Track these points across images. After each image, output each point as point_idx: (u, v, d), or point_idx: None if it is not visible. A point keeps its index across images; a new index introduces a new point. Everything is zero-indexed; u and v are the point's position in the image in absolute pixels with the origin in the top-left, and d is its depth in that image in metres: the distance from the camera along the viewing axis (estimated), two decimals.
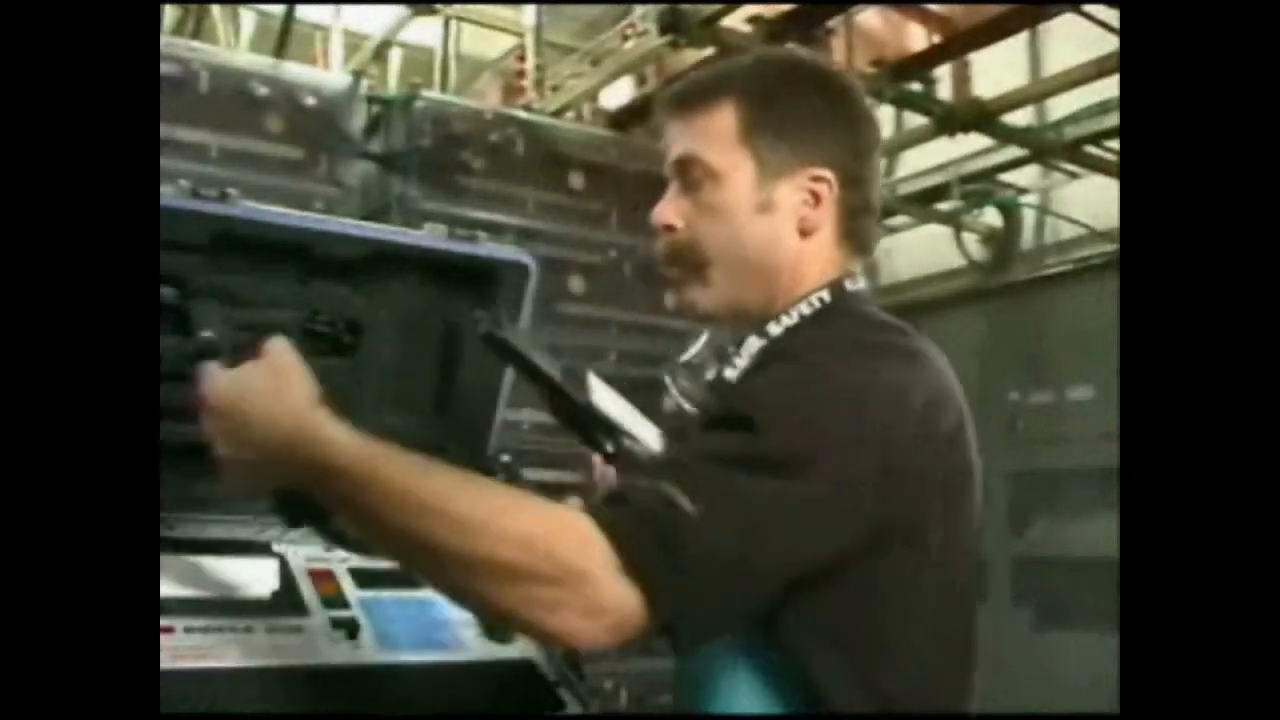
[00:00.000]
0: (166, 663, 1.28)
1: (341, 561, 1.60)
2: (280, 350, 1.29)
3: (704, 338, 1.52)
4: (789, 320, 1.39)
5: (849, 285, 1.42)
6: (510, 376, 1.69)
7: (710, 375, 1.45)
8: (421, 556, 1.20)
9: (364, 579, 1.59)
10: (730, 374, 1.38)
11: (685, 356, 1.53)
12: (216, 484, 1.27)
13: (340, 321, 1.62)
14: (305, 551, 1.59)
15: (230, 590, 1.48)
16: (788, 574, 1.20)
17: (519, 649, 1.56)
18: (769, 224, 1.40)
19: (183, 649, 1.37)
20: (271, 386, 1.25)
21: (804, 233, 1.40)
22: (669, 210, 1.44)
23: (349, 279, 1.60)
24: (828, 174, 1.40)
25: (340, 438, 1.21)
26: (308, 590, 1.53)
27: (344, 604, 1.54)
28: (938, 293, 5.09)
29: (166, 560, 1.43)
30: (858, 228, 1.44)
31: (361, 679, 1.46)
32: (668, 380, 1.53)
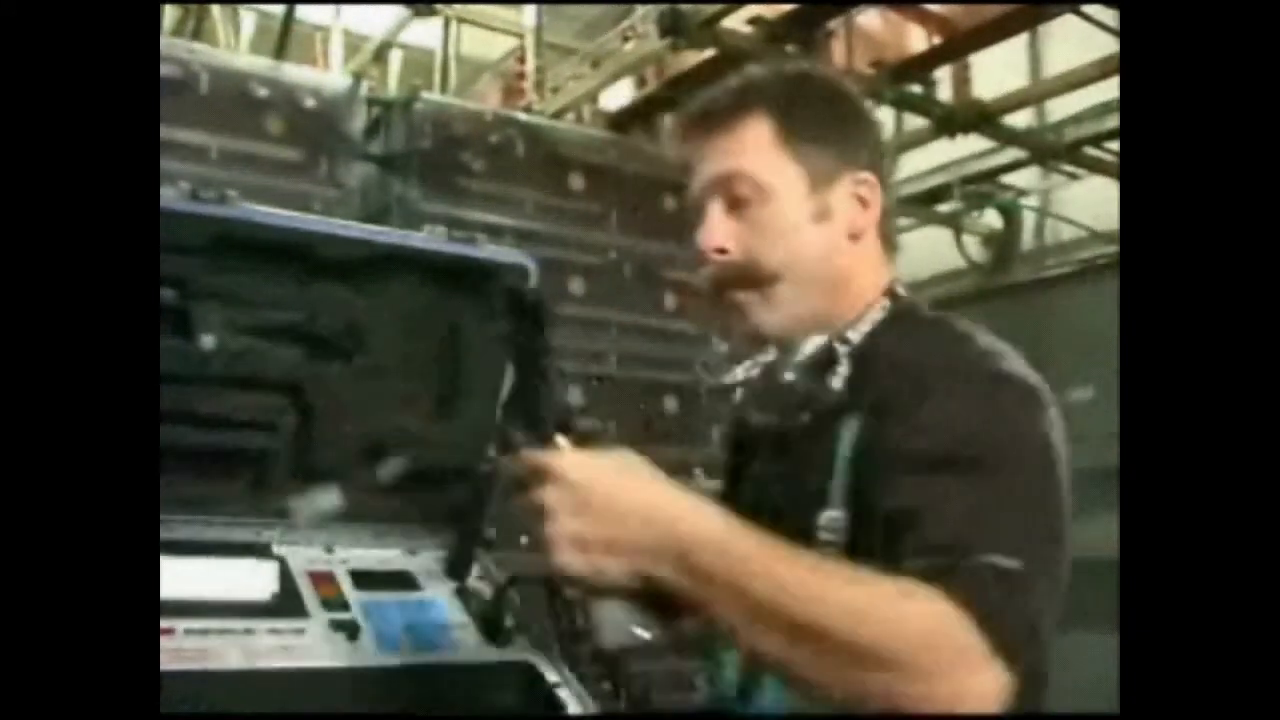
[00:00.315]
0: (167, 664, 1.28)
1: (341, 564, 1.60)
2: (628, 453, 1.21)
3: (768, 353, 1.46)
4: (864, 327, 1.38)
5: (900, 288, 1.42)
6: (510, 377, 1.69)
7: (789, 379, 1.38)
8: (795, 639, 1.10)
9: (364, 581, 1.59)
10: (836, 383, 1.34)
11: (743, 371, 1.46)
12: (550, 564, 1.14)
13: (340, 323, 1.62)
14: (305, 553, 1.59)
15: (230, 592, 1.48)
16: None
17: (518, 651, 1.56)
18: (826, 232, 1.37)
19: (183, 650, 1.37)
20: (626, 465, 1.19)
21: (854, 237, 1.39)
22: (718, 233, 1.38)
23: (349, 281, 1.60)
24: (870, 176, 1.39)
25: (710, 510, 1.15)
26: (308, 592, 1.53)
27: (344, 606, 1.54)
28: (938, 294, 5.09)
29: (167, 562, 1.43)
30: (892, 226, 1.44)
31: (361, 681, 1.46)
32: (735, 393, 1.47)
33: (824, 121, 1.39)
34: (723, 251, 1.38)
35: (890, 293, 1.41)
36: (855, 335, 1.37)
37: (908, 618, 1.09)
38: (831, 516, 1.30)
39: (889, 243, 1.44)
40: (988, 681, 1.08)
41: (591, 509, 1.13)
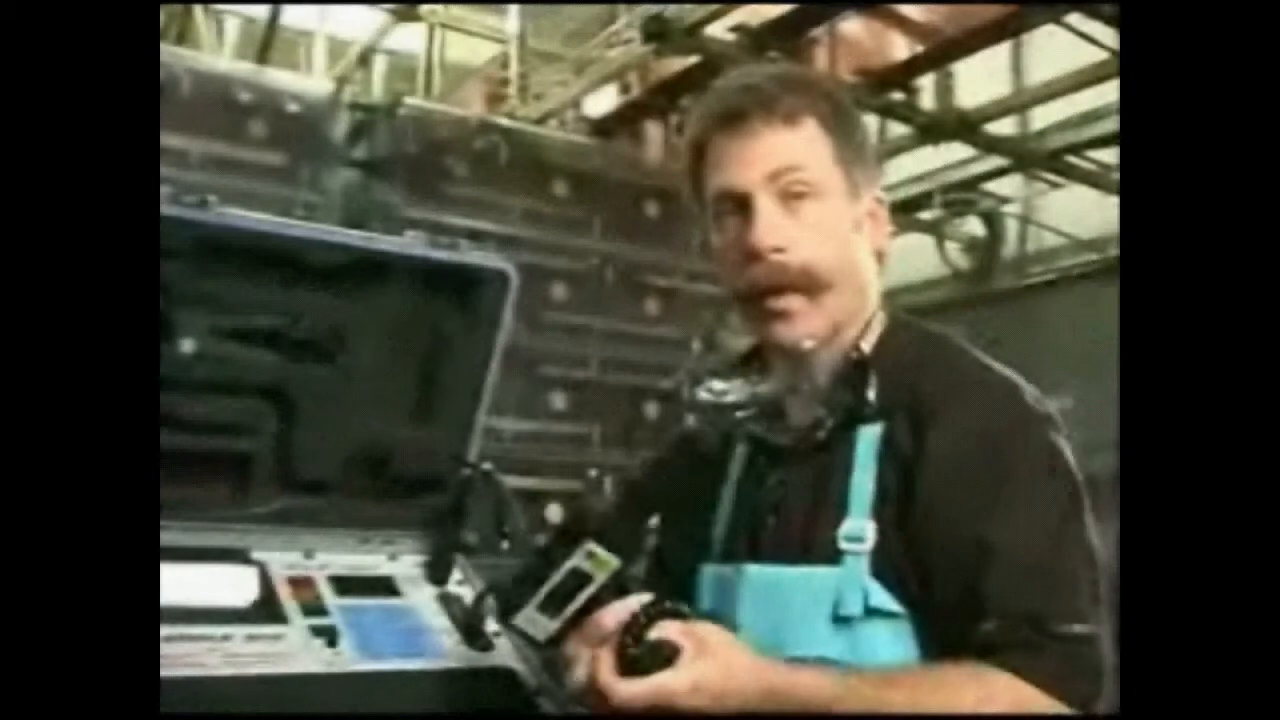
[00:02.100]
0: None
1: (321, 569, 1.59)
2: (713, 631, 1.21)
3: (774, 377, 1.43)
4: (872, 337, 1.40)
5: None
6: (492, 382, 1.69)
7: (812, 389, 1.39)
8: None
9: (343, 586, 1.58)
10: (872, 395, 1.34)
11: (741, 388, 1.44)
12: None
13: (320, 328, 1.61)
14: (284, 559, 1.58)
15: (209, 598, 1.47)
16: None
17: (499, 657, 1.56)
18: (860, 243, 1.40)
19: (161, 657, 1.36)
20: (724, 661, 1.19)
21: (877, 253, 1.43)
22: (775, 231, 1.34)
23: (331, 286, 1.60)
24: (882, 194, 1.44)
25: (813, 673, 1.21)
26: (287, 598, 1.53)
27: (323, 612, 1.53)
28: (920, 301, 5.10)
29: None
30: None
31: (341, 687, 1.45)
32: (743, 418, 1.44)
33: (858, 136, 1.42)
34: (780, 250, 1.34)
35: (882, 302, 1.44)
36: (867, 346, 1.38)
37: (993, 705, 1.17)
38: (854, 525, 1.31)
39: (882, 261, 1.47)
40: None
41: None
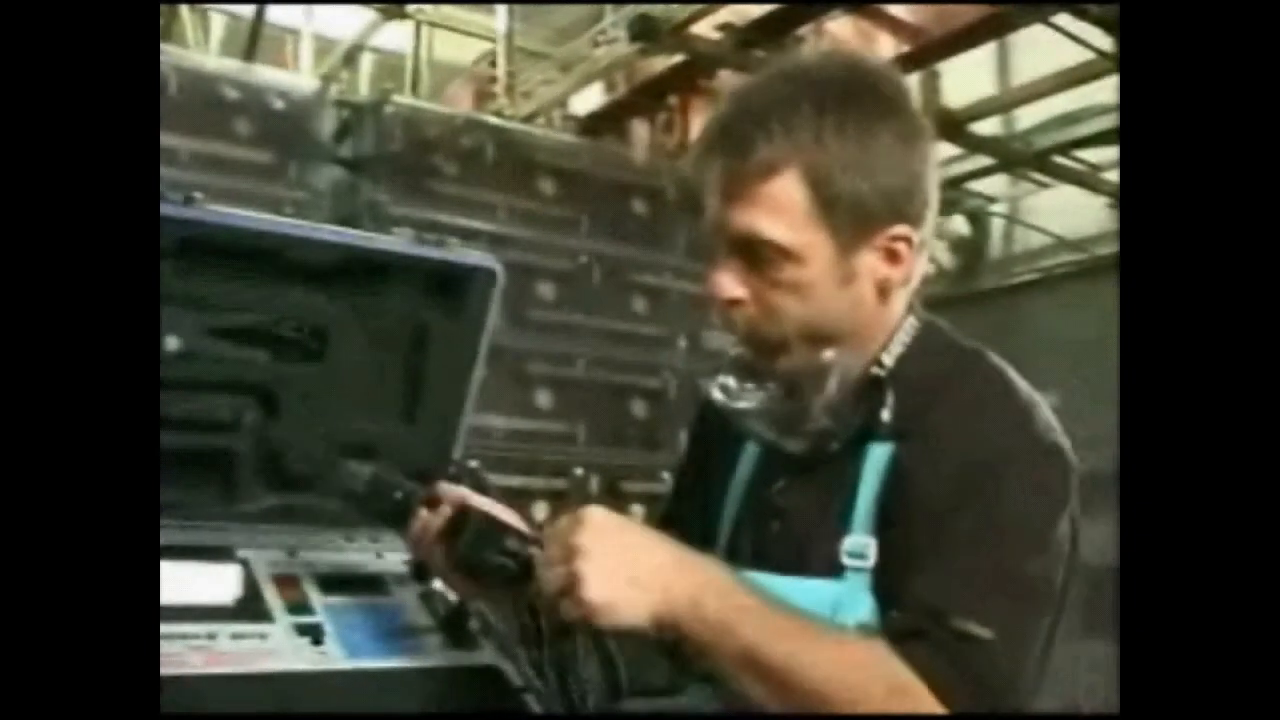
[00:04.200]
0: None
1: (306, 567, 1.59)
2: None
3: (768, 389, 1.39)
4: (897, 348, 1.35)
5: (918, 304, 1.39)
6: (478, 380, 1.69)
7: (832, 403, 1.35)
8: (774, 688, 1.18)
9: (328, 585, 1.58)
10: (885, 416, 1.32)
11: (756, 397, 1.38)
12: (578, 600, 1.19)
13: (307, 326, 1.61)
14: (269, 556, 1.58)
15: (192, 596, 1.47)
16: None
17: (484, 655, 1.56)
18: (850, 294, 1.30)
19: None
20: (637, 525, 1.27)
21: (882, 293, 1.32)
22: (729, 283, 1.30)
23: (317, 283, 1.60)
24: (906, 230, 1.29)
25: (718, 565, 1.23)
26: (272, 596, 1.52)
27: (308, 610, 1.53)
28: None
29: None
30: (926, 258, 1.37)
31: (326, 685, 1.45)
32: (754, 424, 1.41)
33: (866, 171, 1.26)
34: (736, 304, 1.31)
35: (912, 309, 1.38)
36: (890, 359, 1.35)
37: (873, 683, 1.17)
38: (856, 542, 1.29)
39: (919, 274, 1.37)
40: None
41: (620, 549, 1.19)
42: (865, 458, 1.32)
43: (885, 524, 1.29)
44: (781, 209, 1.25)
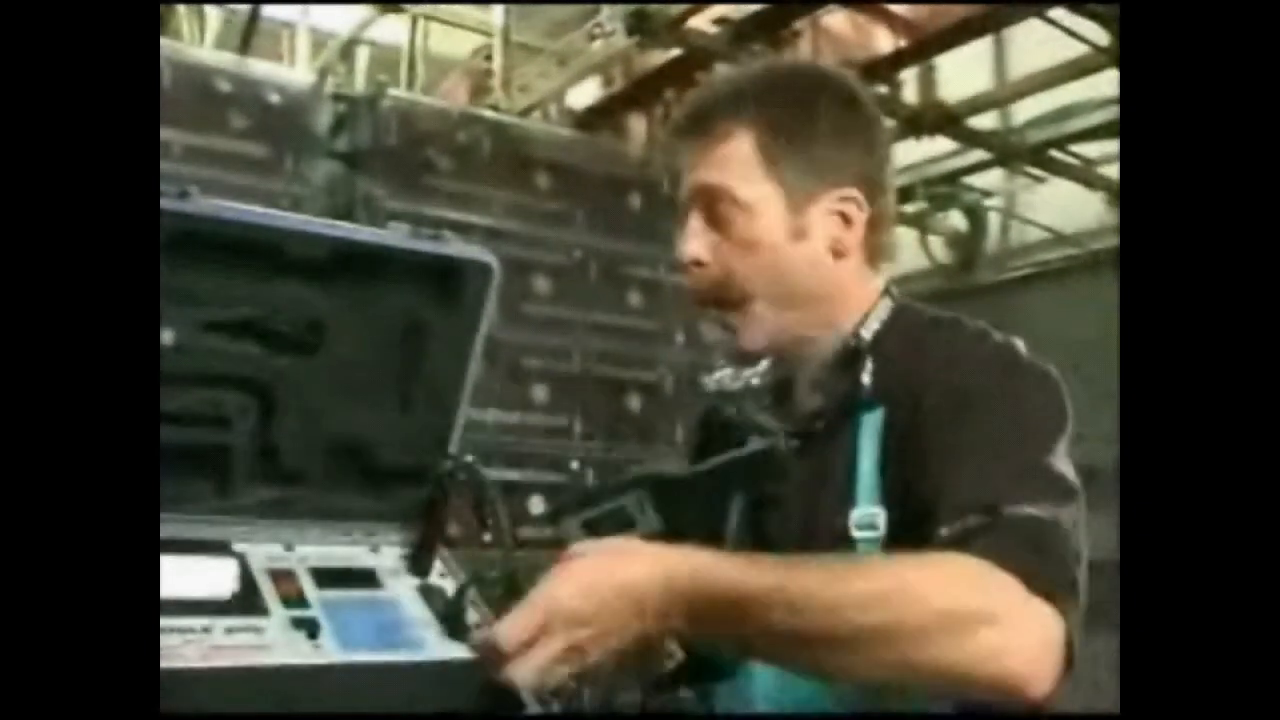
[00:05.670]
0: None
1: (302, 561, 1.59)
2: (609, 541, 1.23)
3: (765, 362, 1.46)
4: (875, 324, 1.40)
5: (894, 289, 1.45)
6: (474, 375, 1.69)
7: (811, 379, 1.41)
8: (844, 651, 1.08)
9: (325, 578, 1.58)
10: (866, 378, 1.35)
11: (748, 375, 1.47)
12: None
13: (303, 320, 1.61)
14: (265, 550, 1.58)
15: (188, 590, 1.47)
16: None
17: None
18: (803, 251, 1.38)
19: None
20: (618, 547, 1.18)
21: (837, 254, 1.39)
22: (695, 244, 1.39)
23: (312, 277, 1.59)
24: (855, 193, 1.39)
25: (699, 555, 1.12)
26: (268, 590, 1.52)
27: (304, 604, 1.52)
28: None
29: None
30: (884, 237, 1.44)
31: (322, 679, 1.45)
32: (740, 408, 1.45)
33: (810, 135, 1.38)
34: (699, 264, 1.39)
35: (888, 293, 1.44)
36: (868, 333, 1.39)
37: (926, 583, 1.09)
38: (864, 513, 1.31)
39: (878, 253, 1.44)
40: (1036, 628, 1.09)
41: (583, 618, 1.10)
42: (859, 428, 1.34)
43: (898, 487, 1.29)
44: (733, 164, 1.37)
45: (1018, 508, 1.16)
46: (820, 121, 1.39)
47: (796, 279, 1.38)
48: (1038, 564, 1.12)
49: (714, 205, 1.38)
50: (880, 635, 1.06)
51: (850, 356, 1.38)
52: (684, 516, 1.34)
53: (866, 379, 1.35)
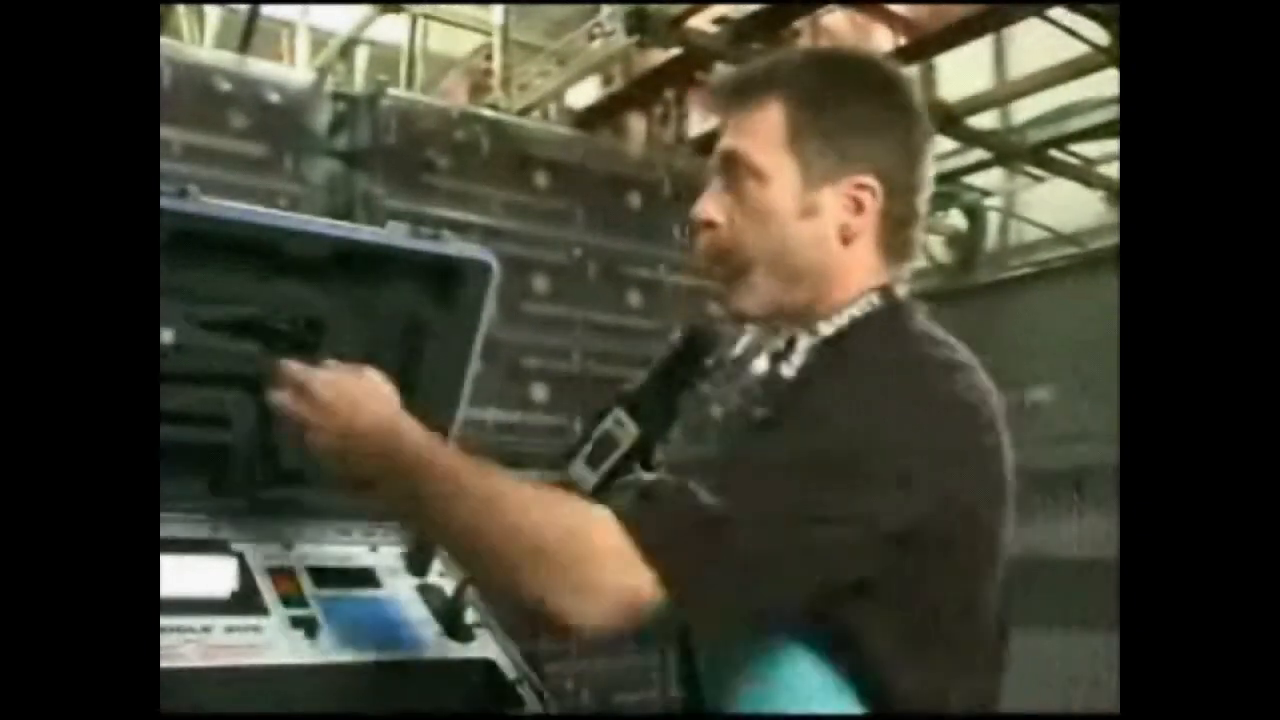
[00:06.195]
0: None
1: (301, 560, 1.59)
2: (372, 372, 1.43)
3: (746, 336, 1.49)
4: (840, 321, 1.38)
5: (899, 291, 1.42)
6: (473, 374, 1.69)
7: (758, 370, 1.43)
8: (463, 544, 1.30)
9: (324, 578, 1.58)
10: (787, 372, 1.37)
11: (732, 353, 1.51)
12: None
13: (302, 319, 1.61)
14: (264, 550, 1.58)
15: (188, 589, 1.47)
16: (817, 577, 1.22)
17: (479, 648, 1.56)
18: (811, 229, 1.38)
19: None
20: (371, 386, 1.40)
21: (844, 239, 1.39)
22: (711, 204, 1.42)
23: (311, 276, 1.60)
24: (872, 182, 1.38)
25: (427, 436, 1.33)
26: (267, 589, 1.53)
27: (303, 603, 1.53)
28: None
29: None
30: (901, 234, 1.42)
31: (321, 678, 1.45)
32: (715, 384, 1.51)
33: (837, 120, 1.39)
34: (710, 225, 1.41)
35: (886, 293, 1.40)
36: (827, 328, 1.38)
37: (562, 515, 1.23)
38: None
39: (897, 248, 1.42)
40: (631, 584, 1.18)
41: (332, 424, 1.35)
42: (755, 419, 1.39)
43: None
44: (758, 132, 1.39)
45: (706, 493, 1.20)
46: (851, 107, 1.40)
47: (799, 254, 1.39)
48: (649, 531, 1.19)
49: (734, 170, 1.40)
50: (484, 551, 1.25)
51: (789, 347, 1.39)
52: (652, 420, 1.46)
53: (787, 372, 1.37)
